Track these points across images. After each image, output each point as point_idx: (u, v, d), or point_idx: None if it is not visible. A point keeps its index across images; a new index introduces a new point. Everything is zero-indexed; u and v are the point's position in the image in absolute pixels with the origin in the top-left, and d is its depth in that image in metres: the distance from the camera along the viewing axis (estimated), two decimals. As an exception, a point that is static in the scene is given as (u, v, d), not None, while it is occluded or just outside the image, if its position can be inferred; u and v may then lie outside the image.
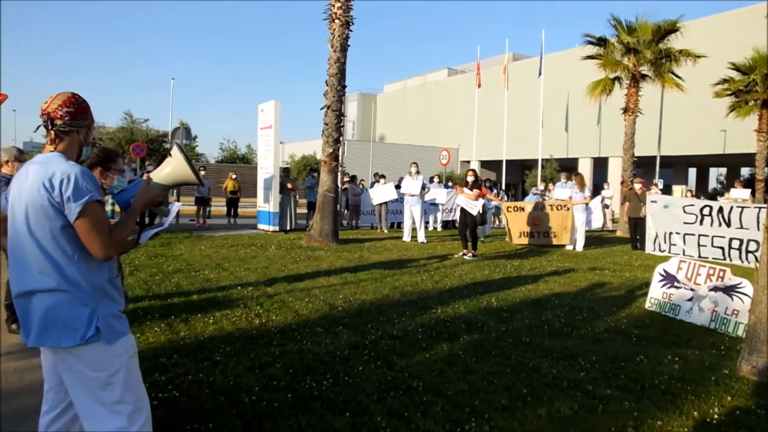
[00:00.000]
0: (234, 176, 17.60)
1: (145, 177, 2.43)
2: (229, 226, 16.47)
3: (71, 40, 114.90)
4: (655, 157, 25.97)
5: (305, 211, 17.17)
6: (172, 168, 2.39)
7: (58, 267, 2.12)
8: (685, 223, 12.08)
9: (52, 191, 2.08)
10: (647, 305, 6.63)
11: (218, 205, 20.34)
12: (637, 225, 13.49)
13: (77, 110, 2.24)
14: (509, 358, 4.58)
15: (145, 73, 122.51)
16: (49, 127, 2.23)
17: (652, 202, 12.83)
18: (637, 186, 14.16)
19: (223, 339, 4.90)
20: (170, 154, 2.46)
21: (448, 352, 4.72)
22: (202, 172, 17.00)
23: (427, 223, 16.81)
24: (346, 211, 18.13)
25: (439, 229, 17.41)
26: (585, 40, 19.53)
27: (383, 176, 17.56)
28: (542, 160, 31.06)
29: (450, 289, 7.49)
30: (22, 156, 5.66)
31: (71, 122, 2.22)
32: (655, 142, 25.41)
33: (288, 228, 14.55)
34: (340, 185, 18.28)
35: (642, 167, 28.00)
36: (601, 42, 19.28)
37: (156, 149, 28.49)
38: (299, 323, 5.50)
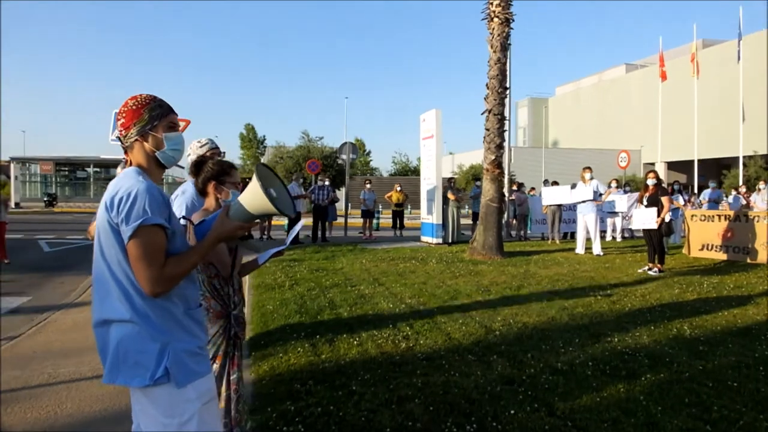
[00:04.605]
0: (399, 188, 17.59)
1: (223, 208, 2.06)
2: (394, 239, 16.48)
3: (261, 73, 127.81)
4: None
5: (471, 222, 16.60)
6: (249, 196, 1.99)
7: (127, 295, 1.87)
8: None
9: (111, 211, 1.85)
10: None
11: (388, 218, 20.57)
12: None
13: (128, 118, 1.98)
14: (709, 409, 3.57)
15: (322, 93, 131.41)
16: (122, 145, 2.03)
17: None
18: None
19: (364, 364, 4.53)
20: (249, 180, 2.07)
21: (626, 395, 3.82)
22: (368, 186, 17.21)
23: (603, 232, 15.25)
24: (514, 221, 17.22)
25: (619, 239, 15.65)
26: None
27: (555, 182, 16.35)
28: (743, 157, 26.94)
29: (630, 311, 6.40)
30: None
31: (126, 133, 1.98)
32: None
33: (451, 240, 14.06)
34: (507, 194, 17.42)
35: None
36: (822, 13, 16.00)
37: (330, 165, 29.97)
38: (449, 349, 4.95)
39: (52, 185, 39.67)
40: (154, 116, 1.99)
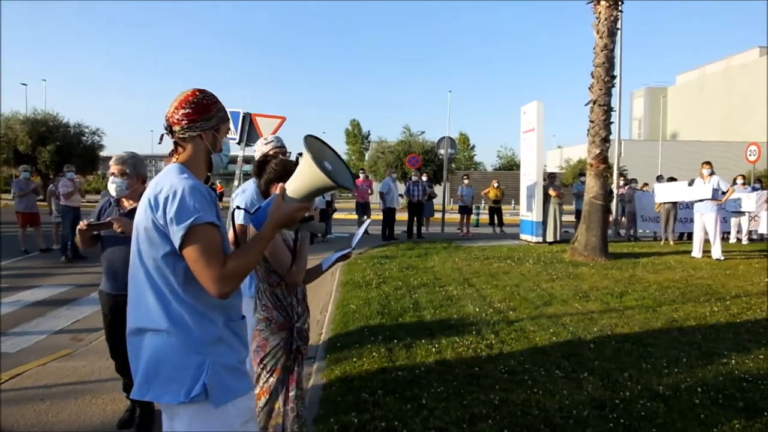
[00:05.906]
0: (496, 184, 16.97)
1: (279, 189, 1.88)
2: (492, 236, 15.93)
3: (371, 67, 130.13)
4: None
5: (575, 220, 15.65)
6: (300, 172, 1.81)
7: (164, 302, 1.74)
8: None
9: (156, 211, 1.73)
10: None
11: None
12: None
13: (196, 110, 1.84)
14: None
15: (425, 88, 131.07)
16: (169, 135, 1.88)
17: None
18: None
19: (440, 375, 4.24)
20: (300, 156, 1.89)
21: (741, 432, 3.26)
22: (465, 181, 16.73)
23: (726, 234, 13.77)
24: (623, 219, 16.03)
25: (745, 242, 14.03)
26: None
27: (672, 178, 14.98)
28: None
29: (753, 328, 5.60)
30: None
31: (190, 126, 1.84)
32: None
33: (551, 240, 13.32)
34: (616, 190, 16.25)
35: None
36: None
37: (431, 160, 29.59)
38: (535, 362, 4.54)
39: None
40: (220, 117, 1.91)
